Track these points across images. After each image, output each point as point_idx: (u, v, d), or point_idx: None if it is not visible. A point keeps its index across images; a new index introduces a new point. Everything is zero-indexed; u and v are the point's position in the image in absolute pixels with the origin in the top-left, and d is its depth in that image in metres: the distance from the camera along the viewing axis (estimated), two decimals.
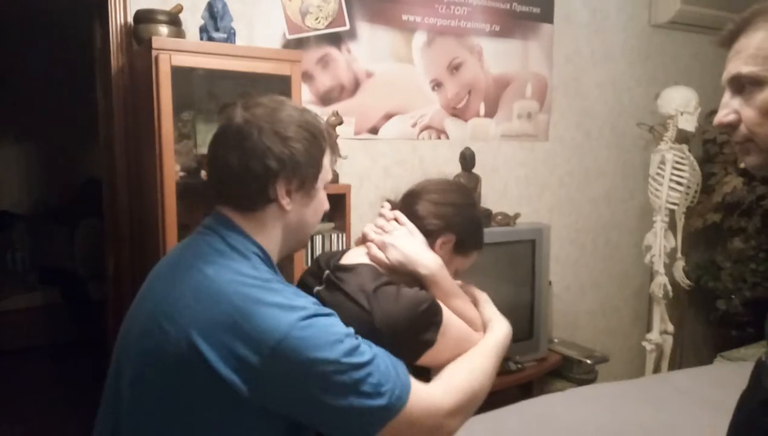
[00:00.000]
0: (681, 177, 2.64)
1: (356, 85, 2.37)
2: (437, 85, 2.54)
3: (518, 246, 2.35)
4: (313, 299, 0.91)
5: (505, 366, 2.26)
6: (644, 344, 2.79)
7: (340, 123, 2.06)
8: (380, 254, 1.08)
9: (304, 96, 2.19)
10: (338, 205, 2.06)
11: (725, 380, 2.10)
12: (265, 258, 0.94)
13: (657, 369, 2.79)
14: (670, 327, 2.77)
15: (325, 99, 2.30)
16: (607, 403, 1.92)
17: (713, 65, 3.28)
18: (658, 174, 2.69)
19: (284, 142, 0.92)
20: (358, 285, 1.01)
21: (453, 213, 1.14)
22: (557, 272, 2.85)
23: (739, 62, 0.79)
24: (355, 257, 1.12)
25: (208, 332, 0.83)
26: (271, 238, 0.96)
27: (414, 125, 2.51)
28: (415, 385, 0.90)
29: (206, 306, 0.84)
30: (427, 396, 0.92)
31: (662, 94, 2.71)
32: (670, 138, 2.65)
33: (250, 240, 0.94)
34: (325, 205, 1.04)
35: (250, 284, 0.87)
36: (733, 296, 3.06)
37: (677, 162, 2.64)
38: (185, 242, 0.99)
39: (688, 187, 2.66)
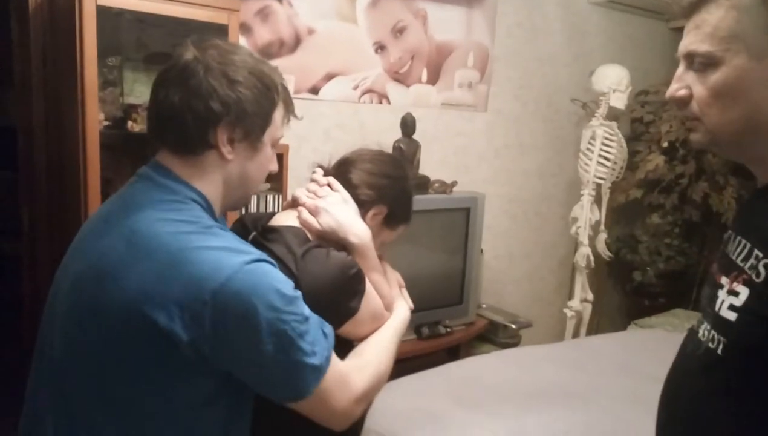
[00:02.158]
0: (609, 153, 2.75)
1: (297, 42, 2.29)
2: (380, 48, 2.50)
3: (454, 214, 2.39)
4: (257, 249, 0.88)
5: (435, 330, 2.31)
6: (566, 311, 2.94)
7: None
8: (311, 219, 1.06)
9: None
10: None
11: (637, 345, 2.25)
12: (207, 207, 0.90)
13: (576, 334, 2.95)
14: (590, 296, 2.93)
15: (264, 54, 2.21)
16: (530, 365, 2.02)
17: (645, 47, 3.41)
18: (588, 149, 2.79)
19: (232, 85, 0.86)
20: (286, 247, 0.99)
21: (387, 185, 1.12)
22: (488, 240, 2.93)
23: (696, 39, 0.77)
24: (284, 219, 1.09)
25: (148, 285, 0.79)
26: (212, 187, 0.91)
27: (356, 88, 2.47)
28: (335, 357, 0.89)
29: (143, 259, 0.80)
30: (345, 372, 0.90)
31: (596, 72, 2.79)
32: (602, 115, 2.75)
33: (188, 187, 0.89)
34: (272, 165, 0.99)
35: (188, 231, 0.83)
36: (648, 268, 3.26)
37: (606, 138, 2.75)
38: (119, 193, 0.93)
39: (615, 163, 2.78)
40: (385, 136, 2.48)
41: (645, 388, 1.76)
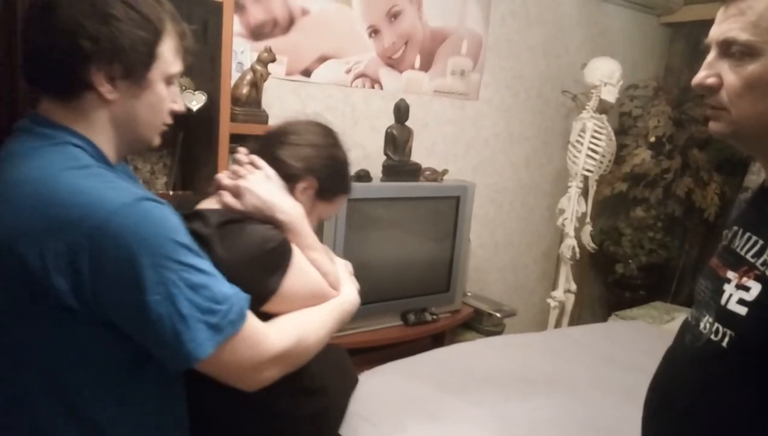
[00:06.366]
0: (598, 146, 2.77)
1: (290, 22, 2.26)
2: (374, 31, 2.48)
3: (443, 202, 2.39)
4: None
5: (421, 317, 2.33)
6: (549, 300, 2.97)
7: (273, 60, 1.97)
8: (232, 201, 1.00)
9: (235, 27, 2.07)
10: None
11: (617, 335, 2.29)
12: (93, 151, 0.84)
13: (558, 324, 2.99)
14: (573, 286, 2.97)
15: (257, 33, 2.19)
16: (513, 352, 2.04)
17: (636, 42, 3.42)
18: (577, 141, 2.81)
19: (103, 19, 0.79)
20: (203, 222, 0.95)
21: (313, 155, 1.07)
22: (474, 229, 2.94)
23: (737, 26, 0.74)
24: (207, 204, 1.04)
25: (22, 235, 0.74)
26: (100, 132, 0.85)
27: (348, 71, 2.45)
28: (251, 317, 0.85)
29: (16, 208, 0.75)
30: (260, 332, 0.87)
31: (588, 64, 2.80)
32: (592, 107, 2.76)
33: (66, 131, 0.83)
34: (167, 103, 0.90)
35: (61, 172, 0.77)
36: (630, 261, 3.31)
37: (596, 131, 2.76)
38: None
39: (603, 156, 2.80)
40: (377, 122, 2.47)
41: (625, 378, 1.80)
